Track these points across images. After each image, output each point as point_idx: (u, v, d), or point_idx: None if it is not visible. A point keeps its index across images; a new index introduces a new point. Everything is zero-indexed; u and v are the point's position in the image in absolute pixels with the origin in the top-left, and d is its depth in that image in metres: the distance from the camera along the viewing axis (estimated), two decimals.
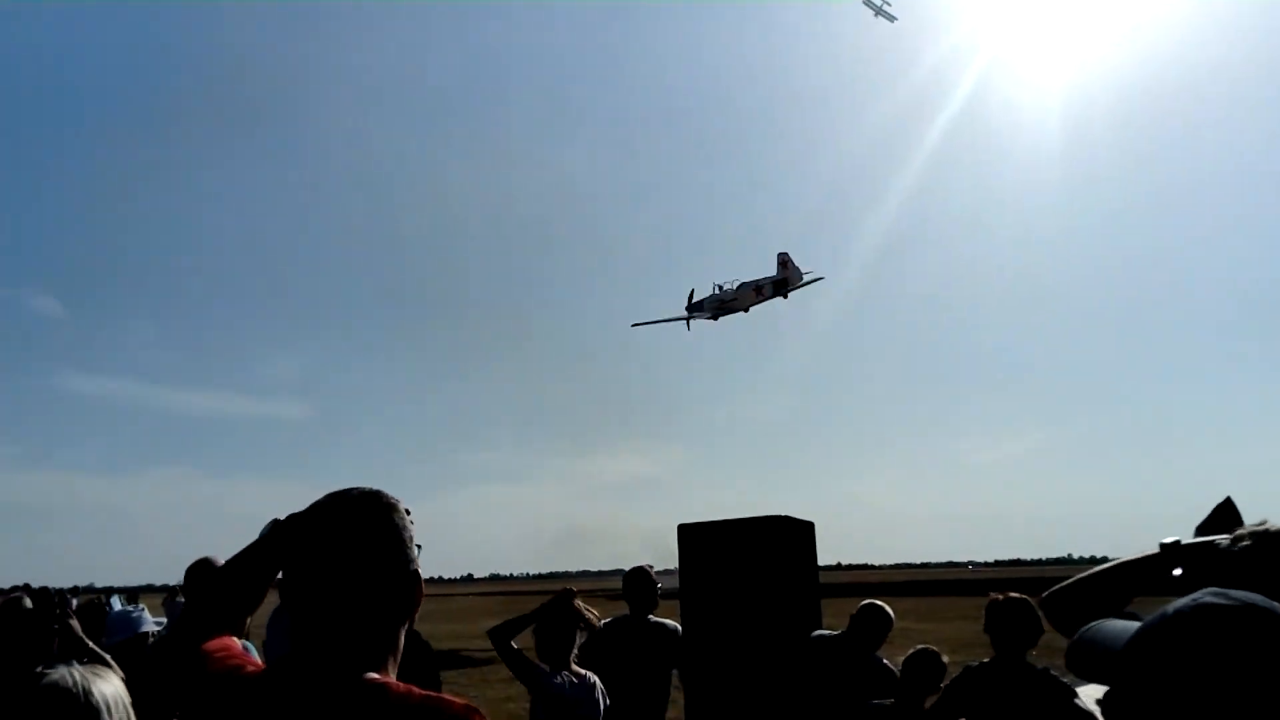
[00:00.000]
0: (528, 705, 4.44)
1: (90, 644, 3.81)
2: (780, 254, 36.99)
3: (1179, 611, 1.10)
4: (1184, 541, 1.98)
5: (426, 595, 1.52)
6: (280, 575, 1.52)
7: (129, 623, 5.40)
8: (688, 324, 38.99)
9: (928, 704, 4.38)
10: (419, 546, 1.47)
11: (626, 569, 5.45)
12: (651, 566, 5.44)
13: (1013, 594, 4.18)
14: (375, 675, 1.36)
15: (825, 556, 5.89)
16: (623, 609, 5.44)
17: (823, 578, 6.09)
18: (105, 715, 1.76)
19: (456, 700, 1.35)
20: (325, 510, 1.43)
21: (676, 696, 5.42)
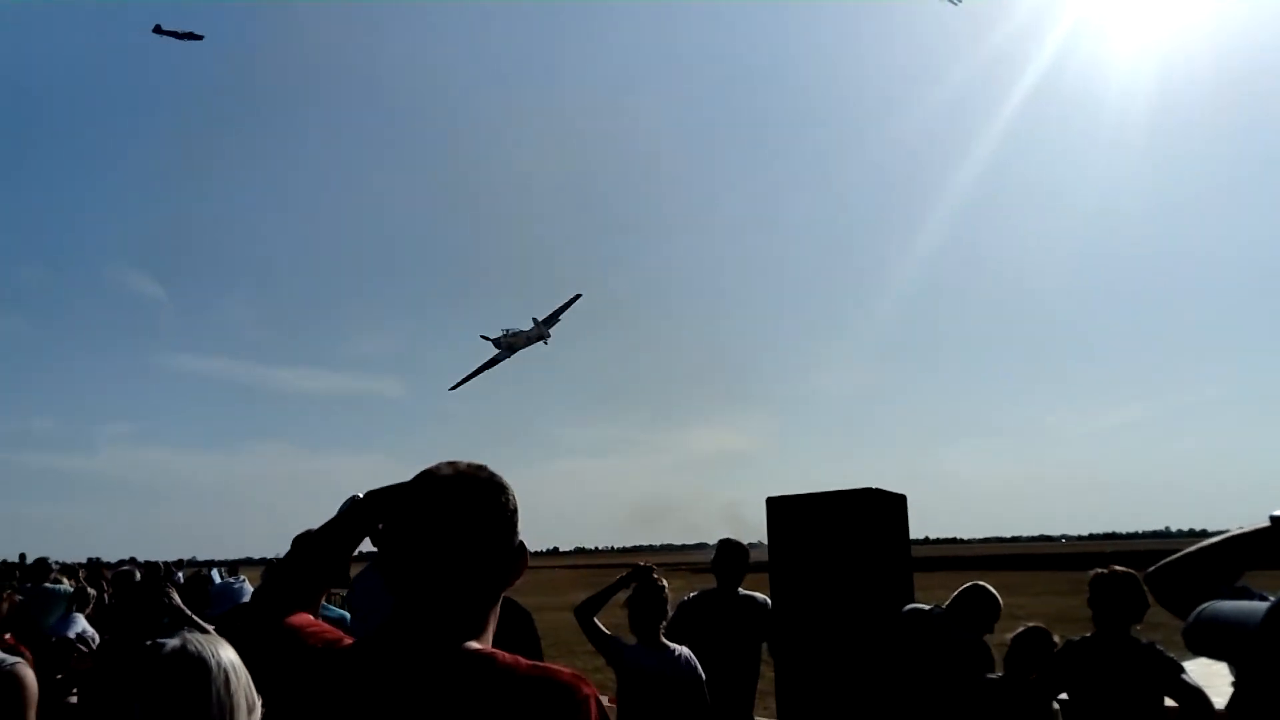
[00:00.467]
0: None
1: (191, 615, 3.96)
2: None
3: None
4: None
5: None
6: (378, 546, 1.53)
7: (231, 594, 5.60)
8: (496, 361, 40.45)
9: (1032, 679, 4.26)
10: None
11: (710, 542, 5.44)
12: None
13: (1117, 567, 4.05)
14: (476, 645, 1.36)
15: (914, 530, 5.76)
16: (708, 582, 5.42)
17: (913, 551, 5.97)
18: (234, 678, 1.81)
19: (564, 670, 1.34)
20: (432, 484, 1.42)
21: (766, 670, 5.39)
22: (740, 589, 5.31)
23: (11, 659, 3.10)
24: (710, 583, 5.39)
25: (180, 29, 46.70)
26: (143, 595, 4.06)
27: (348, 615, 4.51)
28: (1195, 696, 3.70)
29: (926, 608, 5.03)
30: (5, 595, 5.41)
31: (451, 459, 1.47)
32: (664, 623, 4.26)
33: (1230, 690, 2.18)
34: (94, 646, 5.58)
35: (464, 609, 1.38)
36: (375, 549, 1.54)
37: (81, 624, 6.22)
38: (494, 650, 1.37)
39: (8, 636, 4.69)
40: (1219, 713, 3.54)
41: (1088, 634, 4.08)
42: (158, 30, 46.36)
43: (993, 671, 4.46)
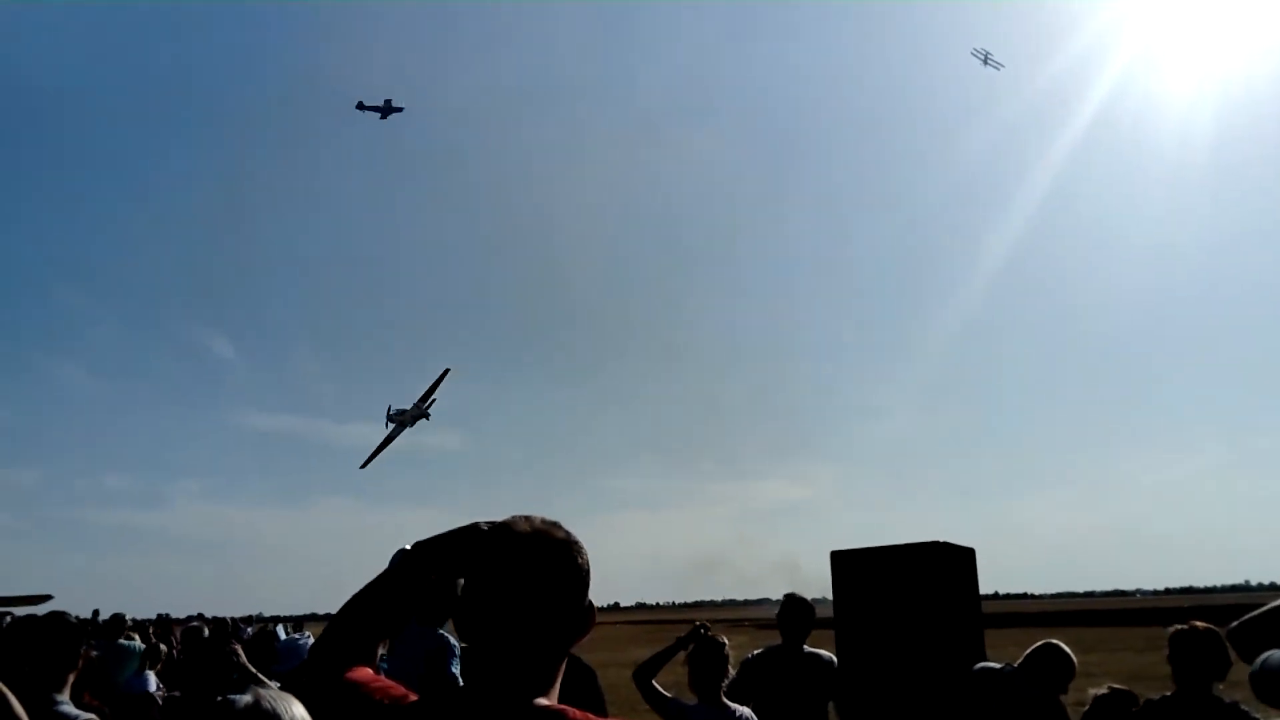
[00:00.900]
0: None
1: (255, 672, 4.00)
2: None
3: None
4: None
5: None
6: (427, 598, 1.54)
7: (296, 650, 5.66)
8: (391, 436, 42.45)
9: None
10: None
11: (772, 597, 5.37)
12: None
13: (1198, 623, 3.90)
14: (546, 701, 1.37)
15: (983, 585, 5.63)
16: (773, 638, 5.33)
17: (983, 607, 5.83)
18: None
19: None
20: (510, 539, 1.43)
21: None
22: (805, 646, 5.21)
23: (87, 715, 3.15)
24: (775, 638, 5.30)
25: (378, 103, 48.55)
26: (211, 651, 4.13)
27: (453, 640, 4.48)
28: None
29: (998, 666, 4.88)
30: (82, 652, 5.53)
31: (524, 513, 1.48)
32: (725, 682, 4.20)
33: None
34: (164, 703, 5.67)
35: (535, 665, 1.39)
36: (425, 600, 1.55)
37: (154, 680, 6.34)
38: (565, 707, 1.38)
39: (84, 694, 4.78)
40: None
41: (1168, 693, 3.92)
42: (360, 107, 48.43)
43: None
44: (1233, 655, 3.44)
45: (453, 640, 4.36)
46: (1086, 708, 4.23)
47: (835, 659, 5.25)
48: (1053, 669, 4.60)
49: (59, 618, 3.63)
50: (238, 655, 3.93)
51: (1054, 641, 4.69)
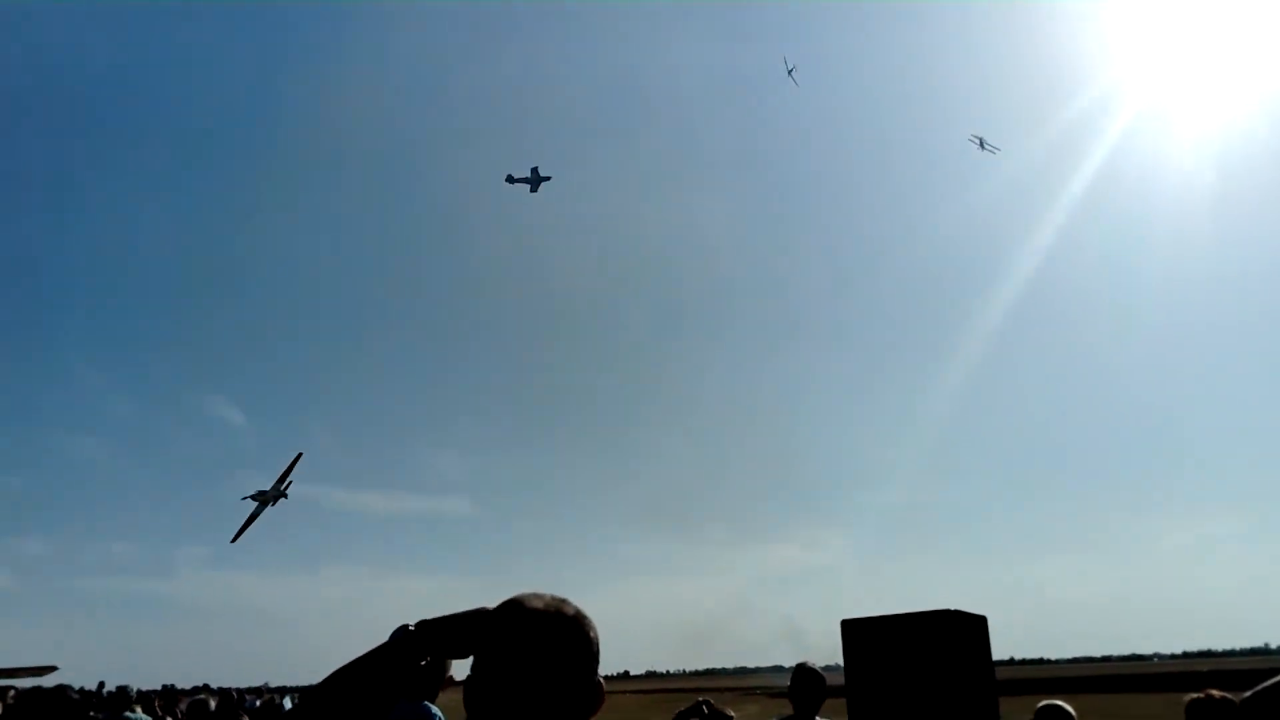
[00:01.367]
0: None
1: None
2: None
3: None
4: None
5: None
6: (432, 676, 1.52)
7: None
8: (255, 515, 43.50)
9: None
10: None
11: (784, 664, 5.30)
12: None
13: (1214, 691, 3.86)
14: None
15: (998, 650, 5.57)
16: (785, 706, 5.27)
17: (997, 673, 5.75)
18: None
19: None
20: (520, 617, 1.44)
21: None
22: (818, 717, 5.15)
23: None
24: (787, 707, 5.24)
25: (527, 174, 49.67)
26: None
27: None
28: None
29: None
30: None
31: (527, 585, 1.49)
32: None
33: None
34: None
35: None
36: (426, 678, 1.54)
37: None
38: None
39: None
40: None
41: None
42: (509, 180, 49.66)
43: None
44: None
45: (440, 715, 4.28)
46: None
47: None
48: None
49: (61, 692, 3.62)
50: None
51: (1055, 702, 4.74)
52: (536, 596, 1.48)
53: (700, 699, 4.31)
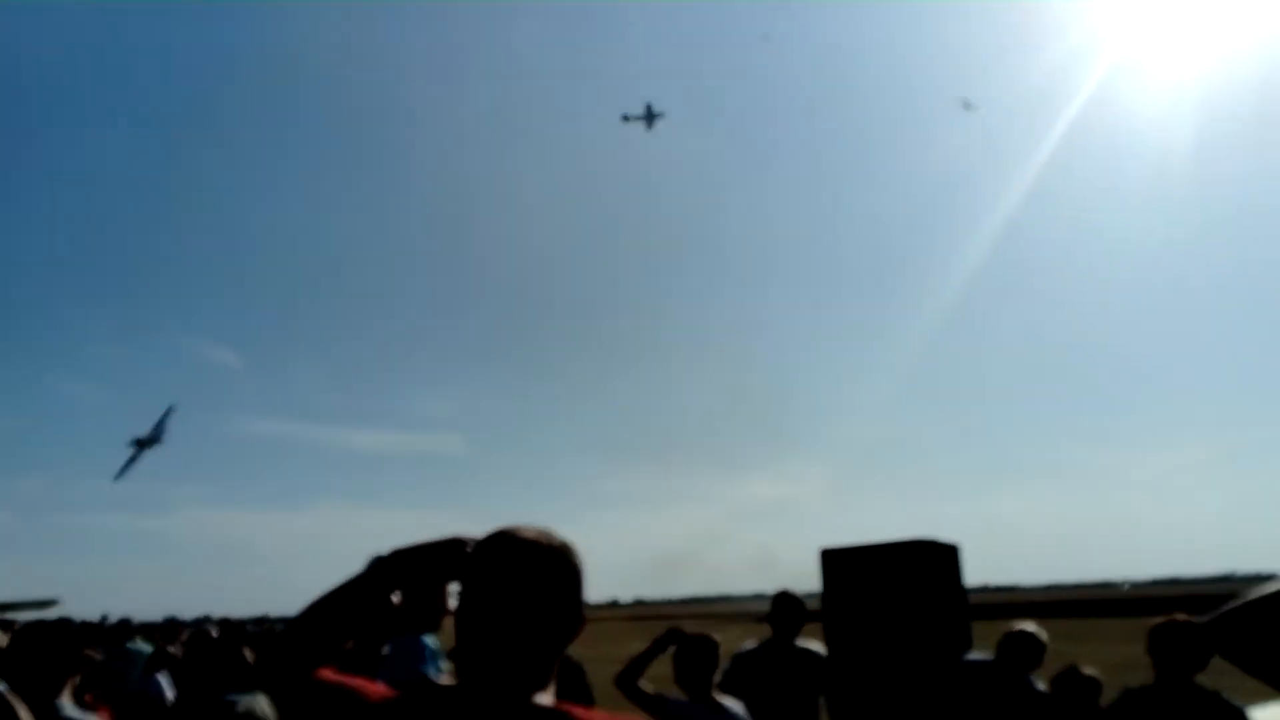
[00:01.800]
0: None
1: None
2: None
3: None
4: None
5: None
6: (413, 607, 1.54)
7: None
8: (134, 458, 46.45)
9: None
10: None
11: (768, 590, 5.42)
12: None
13: (1178, 615, 3.99)
14: (545, 700, 1.42)
15: (972, 577, 5.73)
16: (764, 632, 5.43)
17: (971, 599, 5.94)
18: None
19: None
20: (507, 545, 1.47)
21: None
22: (797, 641, 5.31)
23: (90, 716, 3.24)
24: (767, 632, 5.39)
25: (639, 113, 48.85)
26: (217, 653, 4.20)
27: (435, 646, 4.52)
28: None
29: (983, 657, 5.02)
30: (87, 657, 5.63)
31: (513, 519, 1.52)
32: (714, 677, 4.18)
33: None
34: (171, 705, 5.77)
35: (533, 665, 1.43)
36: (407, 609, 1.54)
37: (163, 682, 6.44)
38: (569, 705, 1.42)
39: (87, 696, 4.88)
40: None
41: (1147, 682, 4.02)
42: (624, 119, 48.79)
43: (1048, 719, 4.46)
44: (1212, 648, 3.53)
45: (434, 646, 4.31)
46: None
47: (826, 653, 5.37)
48: (1023, 653, 4.81)
49: (64, 625, 3.73)
50: (246, 657, 4.00)
51: (1022, 627, 4.87)
52: (524, 527, 1.51)
53: (674, 626, 4.39)
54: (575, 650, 1.60)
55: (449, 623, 1.61)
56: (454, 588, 1.51)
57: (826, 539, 5.78)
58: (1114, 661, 7.25)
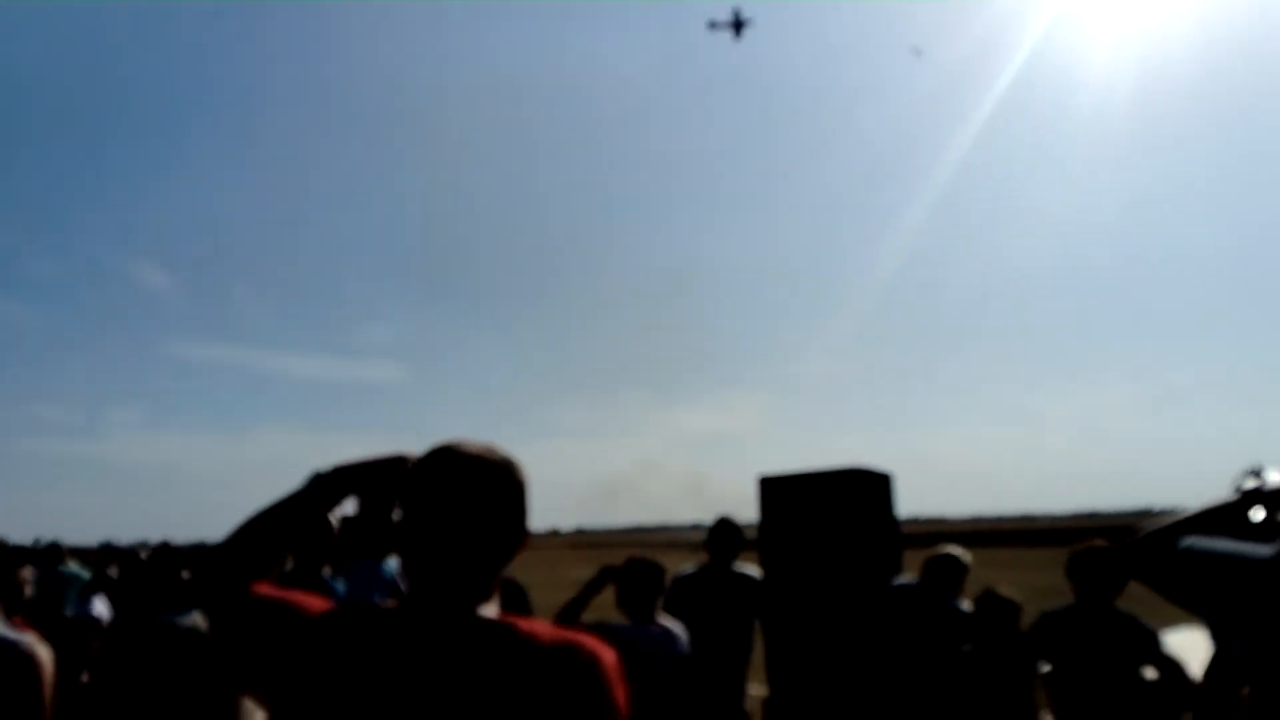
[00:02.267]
0: None
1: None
2: None
3: None
4: (1267, 486, 2.03)
5: None
6: (365, 523, 1.52)
7: None
8: None
9: (1006, 649, 4.39)
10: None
11: (701, 522, 5.51)
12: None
13: (1097, 541, 4.13)
14: (489, 613, 1.41)
15: (902, 509, 5.86)
16: (704, 558, 5.52)
17: (901, 529, 6.08)
18: None
19: (586, 636, 1.38)
20: (450, 459, 1.44)
21: (758, 645, 5.50)
22: (734, 566, 5.42)
23: (26, 637, 3.18)
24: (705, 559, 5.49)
25: (727, 20, 47.53)
26: (152, 574, 4.14)
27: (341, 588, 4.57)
28: (1173, 667, 3.81)
29: (909, 581, 5.18)
30: (17, 578, 5.51)
31: (456, 438, 1.49)
32: (656, 602, 4.20)
33: (1209, 656, 2.25)
34: (107, 627, 5.71)
35: (476, 579, 1.41)
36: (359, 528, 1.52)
37: (100, 606, 6.35)
38: (511, 618, 1.40)
39: (15, 618, 4.79)
40: (1196, 683, 3.63)
41: (1068, 604, 4.16)
42: (711, 25, 47.45)
43: (970, 639, 4.61)
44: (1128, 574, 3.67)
45: (392, 572, 4.30)
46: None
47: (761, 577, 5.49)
48: (944, 573, 5.00)
49: None
50: (183, 576, 3.94)
51: (946, 550, 5.04)
52: (467, 442, 1.48)
53: (606, 565, 4.39)
54: (517, 574, 1.58)
55: None
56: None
57: (763, 470, 5.86)
58: (1035, 587, 7.53)
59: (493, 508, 1.43)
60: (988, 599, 4.54)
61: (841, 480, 5.50)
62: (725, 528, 5.44)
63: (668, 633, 4.16)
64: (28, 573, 6.32)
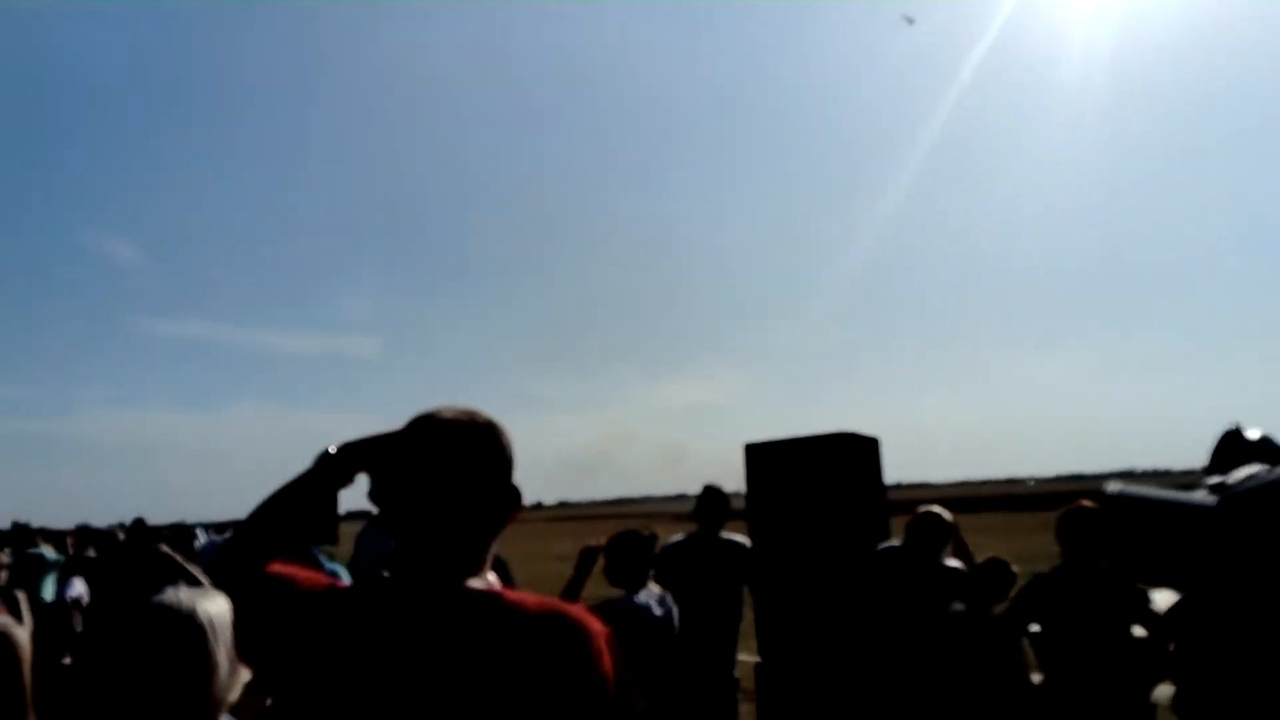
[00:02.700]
0: None
1: (190, 568, 3.99)
2: None
3: None
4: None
5: None
6: (373, 497, 1.51)
7: None
8: None
9: (997, 611, 4.41)
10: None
11: (685, 493, 5.51)
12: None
13: (1085, 501, 4.15)
14: (478, 583, 1.39)
15: (888, 475, 5.86)
16: (690, 528, 5.51)
17: (887, 495, 6.07)
18: (210, 633, 1.81)
19: (572, 606, 1.37)
20: (433, 427, 1.43)
21: (748, 611, 5.51)
22: (722, 533, 5.41)
23: (2, 619, 3.13)
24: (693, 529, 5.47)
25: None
26: (128, 552, 4.09)
27: (342, 570, 4.55)
28: (1162, 625, 3.82)
29: (897, 544, 5.19)
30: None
31: (436, 407, 1.46)
32: (646, 571, 4.19)
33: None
34: (85, 609, 5.64)
35: (465, 549, 1.40)
36: (372, 506, 1.52)
37: (79, 587, 6.27)
38: (499, 589, 1.39)
39: None
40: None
41: (1056, 565, 4.19)
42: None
43: (959, 599, 4.65)
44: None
45: None
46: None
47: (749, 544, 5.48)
48: (929, 534, 5.00)
49: None
50: (168, 555, 3.89)
51: (929, 509, 5.05)
52: (447, 408, 1.46)
53: (589, 544, 4.35)
54: (499, 548, 1.54)
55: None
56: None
57: (744, 440, 5.82)
58: (1018, 552, 7.58)
59: (476, 472, 1.41)
60: (991, 563, 4.59)
61: (829, 445, 5.48)
62: (712, 495, 5.44)
63: (651, 601, 4.14)
64: (4, 556, 6.25)
